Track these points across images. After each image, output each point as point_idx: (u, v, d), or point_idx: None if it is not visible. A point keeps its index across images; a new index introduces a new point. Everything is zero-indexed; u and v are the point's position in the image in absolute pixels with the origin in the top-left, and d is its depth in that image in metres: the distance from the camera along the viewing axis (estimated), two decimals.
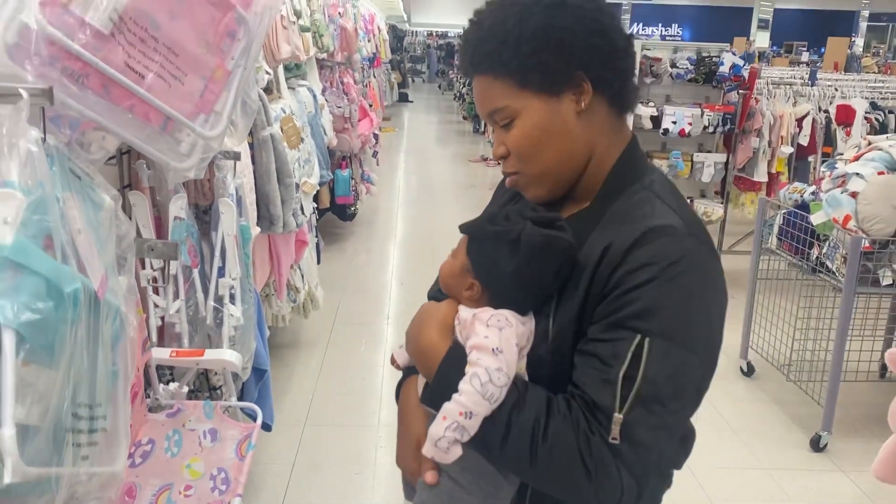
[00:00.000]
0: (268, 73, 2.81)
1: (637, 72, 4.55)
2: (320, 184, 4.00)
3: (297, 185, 2.99)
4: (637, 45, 4.89)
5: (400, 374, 1.19)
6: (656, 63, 4.84)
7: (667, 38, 29.58)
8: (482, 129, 11.37)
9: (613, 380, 0.90)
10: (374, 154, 7.62)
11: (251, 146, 2.68)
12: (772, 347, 3.81)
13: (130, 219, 2.00)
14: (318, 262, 4.53)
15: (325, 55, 4.79)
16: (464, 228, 1.05)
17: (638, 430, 0.90)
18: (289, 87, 3.73)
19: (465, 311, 1.03)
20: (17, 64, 1.15)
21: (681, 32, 30.38)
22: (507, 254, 0.97)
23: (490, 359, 0.94)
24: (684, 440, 1.11)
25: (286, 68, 3.67)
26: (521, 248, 0.95)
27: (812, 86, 5.37)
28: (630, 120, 5.25)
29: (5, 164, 0.95)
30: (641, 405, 0.89)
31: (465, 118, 14.11)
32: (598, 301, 0.95)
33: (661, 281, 0.91)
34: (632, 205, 1.00)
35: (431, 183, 9.33)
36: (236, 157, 2.06)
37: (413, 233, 6.92)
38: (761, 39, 18.99)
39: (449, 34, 24.73)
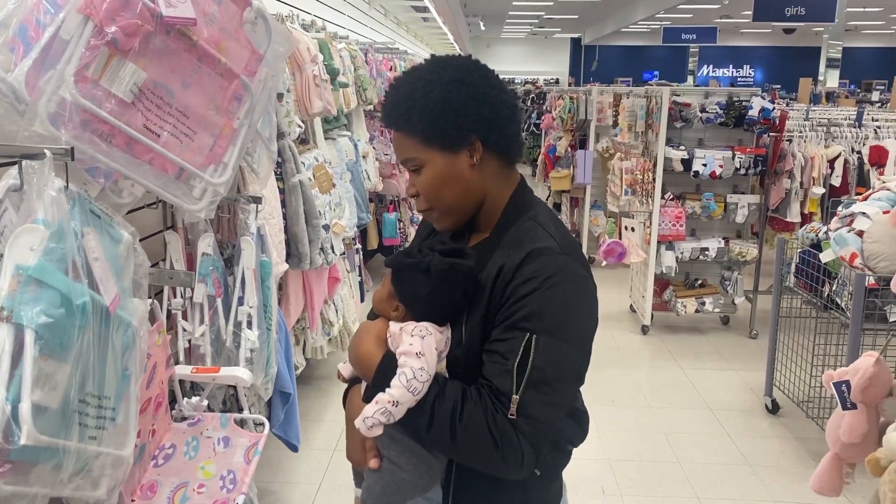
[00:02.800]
0: (299, 125, 3.15)
1: (665, 117, 4.70)
2: (359, 226, 4.31)
3: (328, 227, 3.30)
4: (665, 91, 5.07)
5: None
6: (686, 108, 5.00)
7: (738, 79, 29.30)
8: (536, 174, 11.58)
9: (510, 369, 1.15)
10: None
11: (282, 191, 3.00)
12: (793, 385, 3.86)
13: (166, 254, 2.33)
14: (362, 299, 4.82)
15: (371, 106, 5.18)
16: (387, 262, 1.31)
17: (530, 407, 1.15)
18: (330, 138, 4.09)
19: (393, 326, 1.26)
20: (55, 128, 1.47)
21: (752, 73, 30.05)
22: (422, 280, 1.21)
23: (414, 360, 1.18)
24: (578, 420, 1.38)
25: (328, 121, 4.03)
26: (432, 275, 1.20)
27: (858, 126, 5.39)
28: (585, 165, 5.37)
29: (34, 205, 1.26)
30: (532, 387, 1.15)
31: (523, 162, 14.39)
32: (497, 310, 1.20)
33: (542, 290, 1.16)
34: (521, 232, 1.26)
35: None
36: (257, 201, 2.38)
37: None
38: (831, 79, 18.65)
39: (515, 80, 25.27)
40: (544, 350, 1.15)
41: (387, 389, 1.17)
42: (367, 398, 1.22)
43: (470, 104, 1.23)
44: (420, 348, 1.18)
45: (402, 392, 1.16)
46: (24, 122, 1.46)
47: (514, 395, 1.14)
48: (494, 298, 1.20)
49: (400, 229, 6.24)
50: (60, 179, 1.33)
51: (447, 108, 1.22)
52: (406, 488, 1.29)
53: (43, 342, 1.21)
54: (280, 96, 2.97)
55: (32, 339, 1.20)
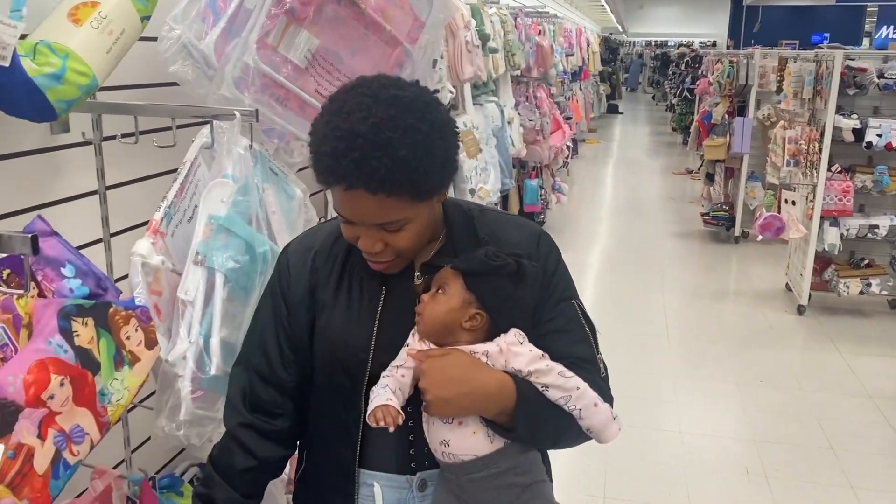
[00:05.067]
0: (451, 91, 3.22)
1: (836, 84, 4.35)
2: (502, 192, 4.35)
3: (473, 191, 3.37)
4: (838, 55, 4.70)
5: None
6: (860, 73, 4.61)
7: None
8: (688, 142, 11.14)
9: (584, 336, 1.18)
10: (566, 165, 7.86)
11: None
12: None
13: (326, 212, 2.48)
14: None
15: (518, 72, 5.17)
16: (460, 267, 1.11)
17: (603, 361, 1.20)
18: (478, 103, 4.14)
19: (485, 346, 1.10)
20: (239, 91, 1.61)
21: None
22: (511, 284, 1.12)
23: (550, 361, 1.12)
24: None
25: (475, 86, 4.07)
26: (528, 278, 1.14)
27: None
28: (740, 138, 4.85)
29: (224, 161, 1.40)
30: (597, 343, 1.20)
31: (674, 129, 13.84)
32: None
33: (560, 262, 1.23)
34: (491, 224, 1.20)
35: (630, 194, 9.35)
36: None
37: (604, 243, 7.08)
38: None
39: (668, 43, 24.19)
40: (582, 309, 1.21)
41: (562, 385, 1.09)
42: (523, 422, 1.08)
43: (453, 147, 1.09)
44: (539, 351, 1.13)
45: (578, 380, 1.11)
46: (213, 86, 1.61)
47: (598, 356, 1.19)
48: (533, 284, 1.18)
49: (541, 196, 6.23)
50: (246, 138, 1.46)
51: (448, 161, 1.08)
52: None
53: (230, 285, 1.35)
54: (434, 63, 3.04)
55: (222, 282, 1.34)
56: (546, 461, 1.22)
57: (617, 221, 7.92)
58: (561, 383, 1.09)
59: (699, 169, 8.73)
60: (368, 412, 1.04)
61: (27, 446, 0.97)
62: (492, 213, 1.25)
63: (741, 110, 6.71)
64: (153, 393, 1.54)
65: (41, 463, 0.99)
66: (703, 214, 7.22)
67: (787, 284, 5.54)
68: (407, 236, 1.07)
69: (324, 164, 1.01)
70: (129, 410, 1.62)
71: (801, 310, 5.08)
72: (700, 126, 7.71)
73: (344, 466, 1.14)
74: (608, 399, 1.16)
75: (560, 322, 1.18)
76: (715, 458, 3.30)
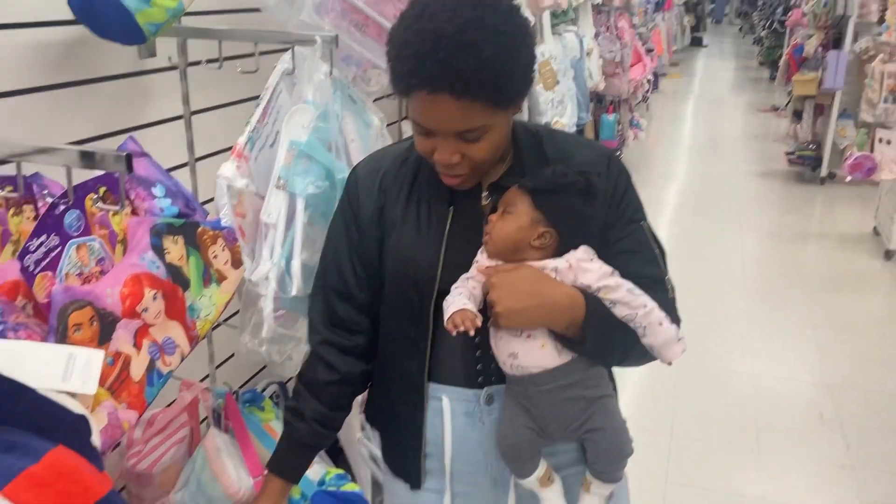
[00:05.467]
0: (529, 19, 3.13)
1: None
2: (578, 126, 4.26)
3: (549, 124, 3.30)
4: None
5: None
6: None
7: None
8: (775, 77, 10.59)
9: (653, 257, 1.18)
10: (645, 99, 7.60)
11: None
12: None
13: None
14: None
15: (600, 1, 4.98)
16: (528, 186, 1.10)
17: (672, 281, 1.20)
18: (556, 33, 4.02)
19: (554, 262, 1.10)
20: (319, 17, 1.61)
21: None
22: (580, 201, 1.11)
23: (620, 279, 1.12)
24: None
25: (554, 15, 3.95)
26: (597, 195, 1.13)
27: None
28: None
29: (305, 88, 1.41)
30: (666, 264, 1.20)
31: (761, 63, 13.15)
32: (604, 214, 1.18)
33: (630, 183, 1.21)
34: (561, 143, 1.19)
35: (711, 132, 9.01)
36: None
37: (681, 182, 6.88)
38: None
39: None
40: (652, 231, 1.20)
41: (630, 302, 1.09)
42: (590, 336, 1.09)
43: (533, 55, 1.07)
44: (609, 267, 1.12)
45: (647, 299, 1.11)
46: (294, 12, 1.61)
47: (666, 276, 1.19)
48: (602, 203, 1.17)
49: (618, 131, 6.06)
50: (326, 65, 1.46)
51: (530, 66, 1.06)
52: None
53: (311, 210, 1.38)
54: None
55: (303, 207, 1.37)
56: (612, 383, 1.23)
57: (695, 160, 7.66)
58: (629, 300, 1.09)
59: (786, 106, 8.31)
60: (446, 319, 1.06)
61: (124, 354, 1.03)
62: (561, 134, 1.24)
63: (836, 43, 6.31)
64: (237, 312, 1.61)
65: (137, 370, 1.05)
66: (787, 154, 6.90)
67: (874, 228, 5.30)
68: (484, 147, 1.07)
69: (406, 68, 0.99)
70: (213, 328, 1.70)
71: (888, 255, 4.86)
72: (790, 60, 7.30)
73: (412, 380, 1.17)
74: (675, 319, 1.16)
75: (629, 243, 1.17)
76: (788, 402, 3.25)
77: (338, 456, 2.05)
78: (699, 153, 7.91)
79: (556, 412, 1.10)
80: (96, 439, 0.79)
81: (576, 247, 1.11)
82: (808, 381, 3.41)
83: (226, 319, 1.72)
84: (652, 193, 6.26)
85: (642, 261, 1.17)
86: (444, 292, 1.11)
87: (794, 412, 3.18)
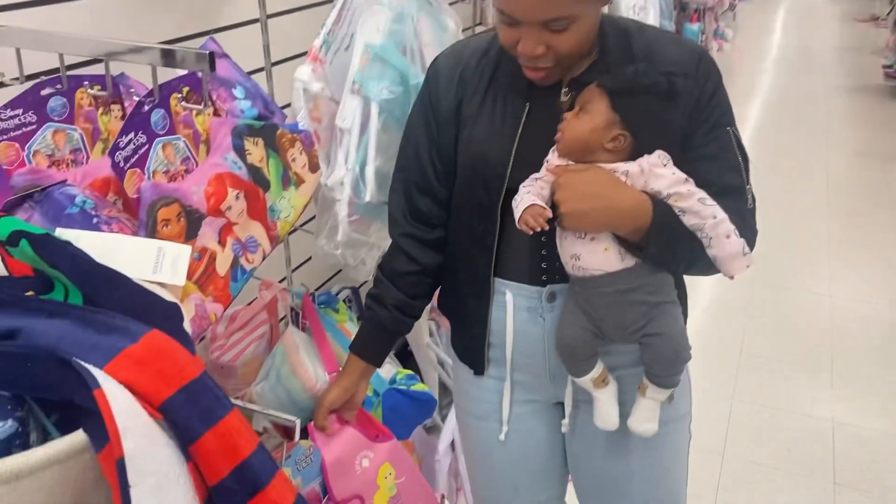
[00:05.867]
0: None
1: None
2: None
3: None
4: None
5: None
6: None
7: None
8: None
9: (736, 164, 1.14)
10: (732, 7, 7.17)
11: None
12: None
13: None
14: None
15: None
16: (607, 85, 1.07)
17: (752, 192, 1.16)
18: None
19: (626, 166, 1.07)
20: None
21: None
22: (660, 104, 1.07)
23: (693, 186, 1.09)
24: None
25: None
26: (679, 99, 1.08)
27: None
28: None
29: None
30: (748, 173, 1.15)
31: None
32: (688, 117, 1.12)
33: (721, 86, 1.15)
34: (649, 39, 1.13)
35: (801, 44, 8.47)
36: None
37: (766, 96, 6.55)
38: None
39: None
40: (737, 137, 1.15)
41: (699, 211, 1.07)
42: (655, 242, 1.07)
43: None
44: (683, 175, 1.09)
45: (718, 210, 1.07)
46: None
47: (747, 186, 1.15)
48: (685, 106, 1.12)
49: (702, 41, 5.78)
50: None
51: None
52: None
53: (385, 116, 1.38)
54: None
55: (377, 112, 1.37)
56: (683, 302, 1.22)
57: (783, 73, 7.25)
58: (698, 209, 1.06)
59: (888, 15, 7.72)
60: (517, 218, 1.07)
61: (210, 250, 1.08)
62: (651, 29, 1.18)
63: None
64: (313, 217, 1.65)
65: (222, 266, 1.10)
66: (885, 67, 6.46)
67: None
68: (570, 38, 1.04)
69: None
70: (290, 233, 1.75)
71: None
72: None
73: (479, 274, 1.20)
74: (751, 231, 1.13)
75: (712, 149, 1.13)
76: (864, 326, 3.16)
77: (407, 359, 2.12)
78: (787, 66, 7.48)
79: (614, 315, 1.10)
80: (187, 326, 0.83)
81: (650, 151, 1.08)
82: (887, 305, 3.29)
83: (302, 224, 1.76)
84: (735, 109, 5.97)
85: (723, 168, 1.14)
86: (513, 190, 1.11)
87: (871, 336, 3.09)
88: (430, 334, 2.14)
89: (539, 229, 1.05)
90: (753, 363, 2.93)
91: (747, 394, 2.75)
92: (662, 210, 1.06)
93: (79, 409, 0.68)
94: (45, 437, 0.73)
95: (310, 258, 1.96)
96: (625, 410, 1.17)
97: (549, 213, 1.05)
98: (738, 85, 6.74)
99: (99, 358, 0.68)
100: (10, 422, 0.70)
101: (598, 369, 1.15)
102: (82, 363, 0.67)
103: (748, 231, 1.13)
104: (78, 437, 0.66)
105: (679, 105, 1.08)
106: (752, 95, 6.50)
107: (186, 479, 0.68)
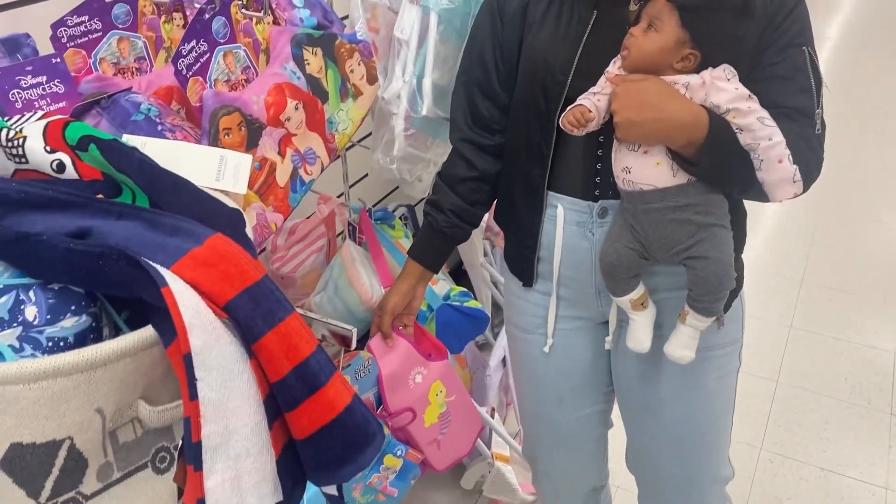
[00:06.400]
0: None
1: None
2: None
3: None
4: None
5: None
6: None
7: None
8: None
9: (807, 87, 1.07)
10: None
11: None
12: None
13: None
14: None
15: None
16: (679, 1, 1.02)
17: (822, 117, 1.10)
18: None
19: (688, 78, 1.04)
20: None
21: None
22: (733, 21, 1.02)
23: (755, 103, 1.04)
24: None
25: None
26: (754, 15, 1.03)
27: None
28: None
29: None
30: (820, 97, 1.09)
31: None
32: (760, 34, 1.06)
33: (800, 3, 1.08)
34: None
35: None
36: None
37: (848, 12, 6.16)
38: None
39: None
40: (813, 58, 1.08)
41: (756, 131, 1.03)
42: (707, 156, 1.04)
43: None
44: (747, 91, 1.04)
45: (776, 132, 1.03)
46: None
47: (817, 111, 1.08)
48: (759, 23, 1.05)
49: None
50: None
51: None
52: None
53: (443, 26, 1.35)
54: None
55: (436, 22, 1.34)
56: (741, 229, 1.18)
57: None
58: (756, 128, 1.02)
59: None
60: (562, 117, 1.06)
61: (270, 161, 1.09)
62: None
63: None
64: (370, 134, 1.65)
65: (282, 176, 1.11)
66: None
67: None
68: None
69: None
70: (347, 148, 1.75)
71: None
72: None
73: (533, 184, 1.19)
74: (816, 158, 1.08)
75: (783, 68, 1.07)
76: None
77: (461, 278, 2.14)
78: None
79: (660, 233, 1.08)
80: (250, 232, 0.85)
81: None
82: None
83: (360, 140, 1.76)
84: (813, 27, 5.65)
85: (793, 89, 1.08)
86: (572, 100, 1.09)
87: None
88: (484, 254, 2.15)
89: (578, 130, 1.04)
90: (815, 291, 2.86)
91: (806, 322, 2.70)
92: (719, 126, 1.03)
93: (148, 307, 0.71)
94: (116, 334, 0.76)
95: (366, 175, 1.97)
96: (665, 334, 1.17)
97: (593, 116, 1.04)
98: (816, 1, 6.34)
99: (165, 258, 0.71)
100: (84, 317, 0.74)
101: (638, 291, 1.15)
102: (150, 262, 0.69)
103: (813, 158, 1.08)
104: (147, 332, 0.69)
105: (754, 22, 1.03)
106: (833, 12, 6.12)
107: (249, 375, 0.71)
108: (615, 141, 1.08)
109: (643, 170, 1.06)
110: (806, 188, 1.09)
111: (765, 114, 1.03)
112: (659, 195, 1.06)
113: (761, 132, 1.02)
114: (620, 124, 1.04)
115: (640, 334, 1.16)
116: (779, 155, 1.03)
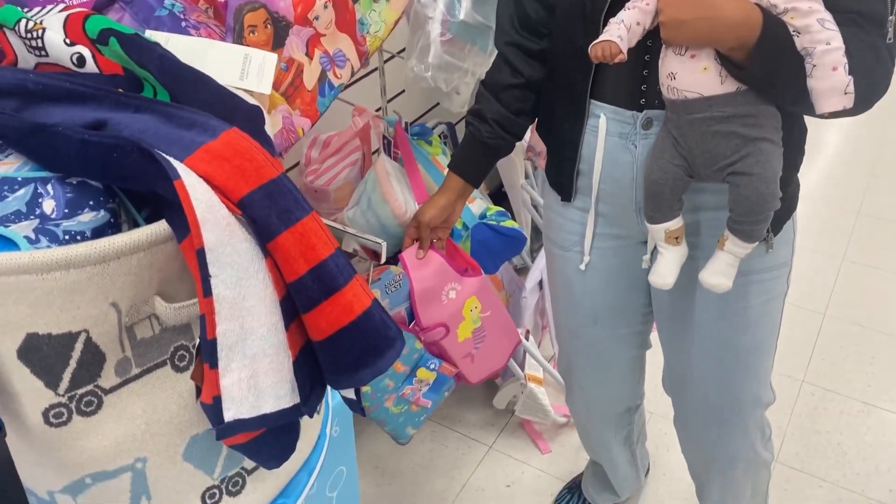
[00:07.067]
0: None
1: None
2: None
3: None
4: None
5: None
6: None
7: None
8: None
9: None
10: None
11: None
12: None
13: None
14: None
15: None
16: None
17: (895, 23, 0.99)
18: None
19: None
20: None
21: None
22: None
23: (815, 3, 0.94)
24: None
25: None
26: None
27: None
28: None
29: None
30: (895, 5, 0.98)
31: None
32: None
33: None
34: None
35: None
36: None
37: None
38: None
39: None
40: None
41: (815, 34, 0.94)
42: (759, 58, 0.96)
43: None
44: None
45: (836, 36, 0.94)
46: None
47: (890, 17, 0.98)
48: None
49: None
50: None
51: None
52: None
53: None
54: None
55: None
56: (796, 148, 1.11)
57: None
58: (815, 31, 0.93)
59: None
60: (593, 42, 0.99)
61: (297, 62, 1.05)
62: None
63: None
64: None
65: (309, 79, 1.07)
66: None
67: None
68: None
69: None
70: (385, 62, 1.70)
71: None
72: None
73: (575, 91, 1.14)
74: (885, 69, 0.99)
75: None
76: None
77: (502, 201, 2.10)
78: None
79: (704, 145, 1.01)
80: (269, 129, 0.82)
81: None
82: None
83: (400, 51, 1.70)
84: None
85: None
86: (619, 3, 1.01)
87: None
88: (525, 176, 2.09)
89: (608, 60, 0.96)
90: (871, 224, 2.74)
91: (860, 254, 2.59)
92: (774, 27, 0.94)
93: (166, 204, 0.69)
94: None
95: (404, 90, 1.92)
96: (705, 255, 1.11)
97: (625, 56, 0.96)
98: None
99: (179, 151, 0.69)
100: (102, 212, 0.72)
101: (676, 223, 1.09)
102: (164, 155, 0.67)
103: (881, 70, 0.99)
104: (160, 226, 0.68)
105: None
106: None
107: (265, 275, 0.70)
108: (662, 45, 1.01)
109: (689, 75, 0.98)
110: (869, 105, 1.00)
111: (827, 16, 0.94)
112: (704, 104, 0.99)
113: (820, 35, 0.93)
114: (666, 23, 0.96)
115: (665, 269, 1.11)
116: (834, 61, 0.94)
